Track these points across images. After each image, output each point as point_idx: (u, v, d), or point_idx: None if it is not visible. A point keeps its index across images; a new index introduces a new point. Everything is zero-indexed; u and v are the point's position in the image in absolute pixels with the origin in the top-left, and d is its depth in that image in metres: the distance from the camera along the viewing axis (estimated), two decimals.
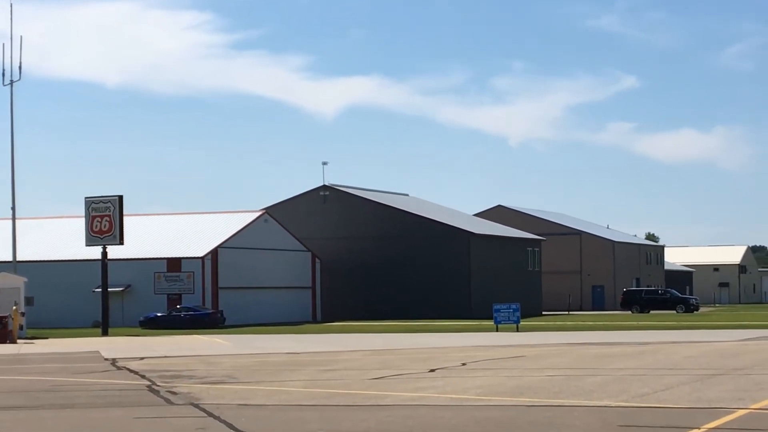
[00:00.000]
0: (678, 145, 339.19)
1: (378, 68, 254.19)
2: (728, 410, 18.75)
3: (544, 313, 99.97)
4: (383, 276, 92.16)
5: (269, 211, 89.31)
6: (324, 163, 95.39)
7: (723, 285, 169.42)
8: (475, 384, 24.98)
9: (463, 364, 31.88)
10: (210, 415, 19.45)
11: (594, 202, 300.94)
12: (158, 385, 26.10)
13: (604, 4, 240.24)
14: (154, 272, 78.80)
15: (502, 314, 59.50)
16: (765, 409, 18.97)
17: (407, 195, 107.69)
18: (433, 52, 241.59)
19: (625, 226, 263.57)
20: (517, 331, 57.74)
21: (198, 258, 78.27)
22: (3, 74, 65.29)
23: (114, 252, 69.26)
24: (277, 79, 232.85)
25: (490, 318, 62.48)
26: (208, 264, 78.47)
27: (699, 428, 16.50)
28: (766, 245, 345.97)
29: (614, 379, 25.60)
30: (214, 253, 79.12)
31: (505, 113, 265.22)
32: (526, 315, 73.21)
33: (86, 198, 67.08)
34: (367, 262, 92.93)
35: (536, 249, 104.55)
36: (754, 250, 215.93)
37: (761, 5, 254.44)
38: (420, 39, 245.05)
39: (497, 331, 58.09)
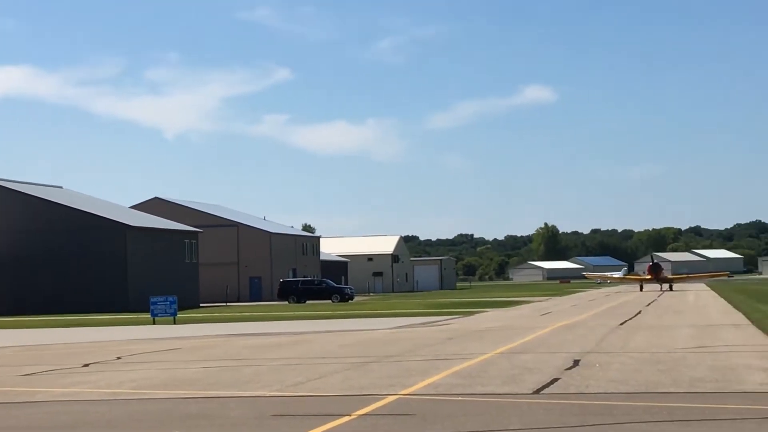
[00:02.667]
0: (332, 136, 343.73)
1: (29, 58, 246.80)
2: (379, 396, 19.25)
3: (202, 305, 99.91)
4: (36, 270, 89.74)
5: None
6: None
7: (377, 274, 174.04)
8: (130, 378, 24.70)
9: (119, 358, 31.47)
10: None
11: (251, 193, 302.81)
12: None
13: None
14: None
15: (159, 307, 59.09)
16: (414, 395, 19.58)
17: (61, 187, 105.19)
18: (87, 43, 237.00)
19: (282, 217, 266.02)
20: (175, 323, 57.44)
21: None
22: None
23: None
24: None
25: (147, 311, 61.88)
26: None
27: (350, 415, 16.88)
28: (418, 235, 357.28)
29: (269, 369, 25.86)
30: None
31: (161, 105, 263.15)
32: (183, 307, 72.98)
33: None
34: (17, 255, 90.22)
35: (193, 241, 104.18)
36: (406, 240, 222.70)
37: (410, 1, 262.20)
38: (73, 29, 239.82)
39: (154, 324, 57.60)
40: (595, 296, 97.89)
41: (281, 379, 23.16)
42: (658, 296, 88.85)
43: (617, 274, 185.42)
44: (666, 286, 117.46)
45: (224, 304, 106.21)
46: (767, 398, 18.32)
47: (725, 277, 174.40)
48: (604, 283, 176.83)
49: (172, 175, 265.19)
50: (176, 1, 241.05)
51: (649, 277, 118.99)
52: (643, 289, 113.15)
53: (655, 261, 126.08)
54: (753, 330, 38.14)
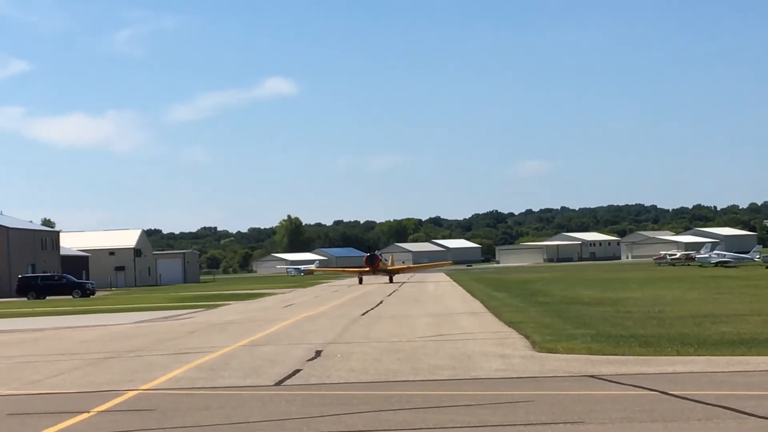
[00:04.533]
0: (70, 129, 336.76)
1: None
2: (118, 392, 19.03)
3: None
4: None
5: None
6: None
7: (119, 269, 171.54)
8: None
9: None
10: None
11: None
12: None
13: None
14: None
15: None
16: (155, 390, 19.44)
17: None
18: None
19: (21, 212, 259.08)
20: None
21: None
22: None
23: None
24: None
25: None
26: None
27: (89, 411, 16.64)
28: (161, 228, 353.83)
29: (6, 368, 25.22)
30: None
31: None
32: None
33: None
34: None
35: None
36: (149, 234, 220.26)
37: None
38: None
39: None
40: (338, 287, 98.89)
41: (19, 377, 22.63)
42: (399, 286, 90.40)
43: (312, 266, 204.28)
44: (388, 277, 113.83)
45: None
46: (501, 384, 18.91)
47: (452, 266, 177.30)
48: (298, 275, 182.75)
49: None
50: None
51: (367, 269, 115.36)
52: (363, 282, 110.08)
53: (373, 252, 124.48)
54: (490, 317, 39.25)
